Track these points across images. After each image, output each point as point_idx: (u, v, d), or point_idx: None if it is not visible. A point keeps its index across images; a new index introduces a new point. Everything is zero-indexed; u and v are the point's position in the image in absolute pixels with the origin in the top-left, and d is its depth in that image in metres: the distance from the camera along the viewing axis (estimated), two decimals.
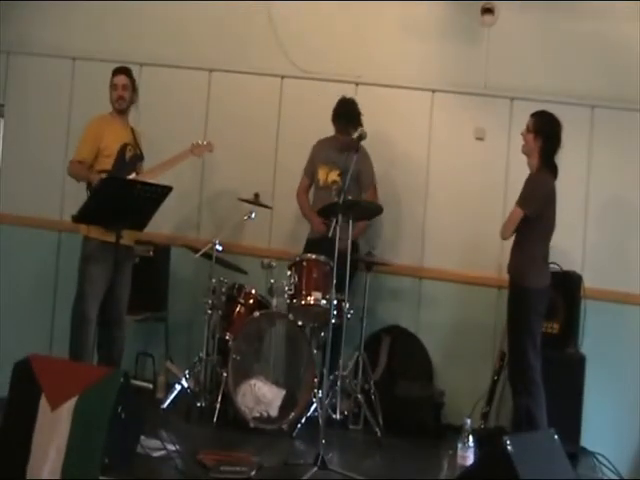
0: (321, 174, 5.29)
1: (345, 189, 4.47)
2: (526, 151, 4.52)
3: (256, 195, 5.17)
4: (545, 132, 4.46)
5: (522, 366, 4.41)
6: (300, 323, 4.83)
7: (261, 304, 5.06)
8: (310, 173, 5.36)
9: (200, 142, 5.11)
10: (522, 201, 4.41)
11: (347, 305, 4.74)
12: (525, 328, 4.41)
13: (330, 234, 4.37)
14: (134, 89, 5.01)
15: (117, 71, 4.98)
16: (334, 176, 5.24)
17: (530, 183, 4.45)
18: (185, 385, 4.89)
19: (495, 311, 4.95)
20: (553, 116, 4.50)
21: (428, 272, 5.50)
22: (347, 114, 5.11)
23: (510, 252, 4.57)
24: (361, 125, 4.94)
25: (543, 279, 4.47)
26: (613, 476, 4.85)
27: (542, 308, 4.46)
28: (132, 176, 4.85)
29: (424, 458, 4.62)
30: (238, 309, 5.08)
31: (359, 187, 5.18)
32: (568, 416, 4.72)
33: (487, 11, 5.45)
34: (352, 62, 5.61)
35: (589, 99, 5.30)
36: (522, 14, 5.40)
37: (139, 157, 5.01)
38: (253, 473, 3.86)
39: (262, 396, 4.68)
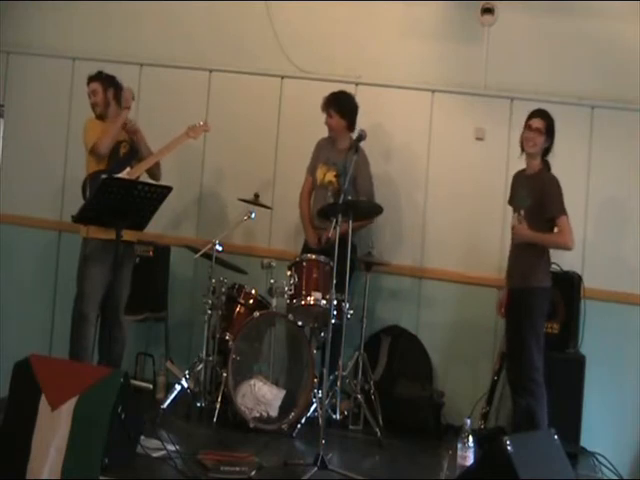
0: (319, 173, 5.28)
1: (343, 189, 4.48)
2: (535, 152, 4.47)
3: (256, 195, 5.18)
4: (552, 133, 4.46)
5: (525, 367, 4.39)
6: (300, 323, 4.83)
7: (261, 304, 5.06)
8: (313, 171, 5.34)
9: (197, 124, 5.07)
10: (561, 207, 4.36)
11: (347, 305, 4.73)
12: (531, 328, 4.40)
13: (323, 243, 4.39)
14: (107, 87, 4.96)
15: (87, 81, 5.00)
16: (330, 177, 5.23)
17: (555, 187, 4.39)
18: (185, 385, 4.88)
19: (495, 311, 4.93)
20: (551, 115, 4.50)
21: (428, 272, 5.50)
22: (341, 102, 5.15)
23: (513, 256, 4.56)
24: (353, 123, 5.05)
25: (548, 278, 4.48)
26: (613, 476, 4.85)
27: (547, 307, 4.47)
28: (126, 170, 4.86)
29: (424, 458, 4.61)
30: (238, 309, 5.08)
31: (356, 193, 5.14)
32: (568, 416, 4.72)
33: (487, 11, 5.46)
34: (352, 62, 5.61)
35: (589, 99, 5.30)
36: (522, 14, 5.40)
37: (134, 152, 5.00)
38: (253, 473, 3.86)
39: (262, 396, 4.68)
